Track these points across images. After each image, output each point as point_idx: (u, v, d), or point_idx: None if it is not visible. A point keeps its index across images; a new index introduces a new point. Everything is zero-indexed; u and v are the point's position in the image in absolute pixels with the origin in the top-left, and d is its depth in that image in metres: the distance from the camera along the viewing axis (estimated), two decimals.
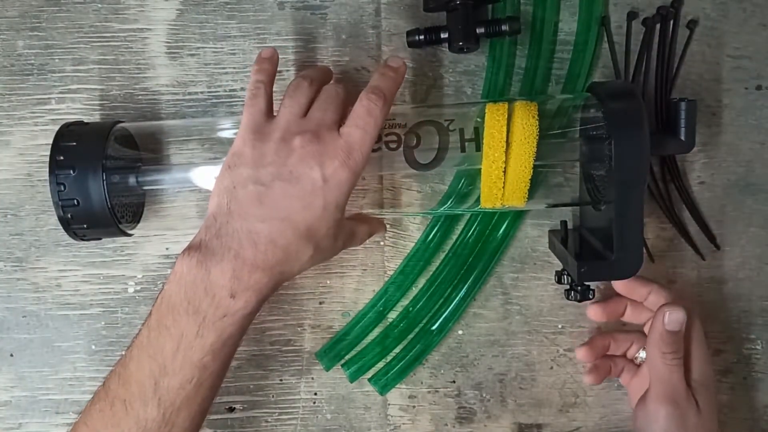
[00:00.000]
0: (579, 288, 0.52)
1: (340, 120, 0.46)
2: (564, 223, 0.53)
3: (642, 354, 0.54)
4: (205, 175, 0.51)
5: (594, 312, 0.54)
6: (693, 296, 0.57)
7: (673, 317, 0.49)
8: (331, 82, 0.53)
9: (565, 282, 0.53)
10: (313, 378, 0.58)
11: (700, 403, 0.50)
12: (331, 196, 0.44)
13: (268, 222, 0.44)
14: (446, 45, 0.54)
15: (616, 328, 0.57)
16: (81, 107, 0.56)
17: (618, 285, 0.53)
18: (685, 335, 0.51)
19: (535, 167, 0.48)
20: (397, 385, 0.58)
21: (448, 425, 0.59)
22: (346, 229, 0.49)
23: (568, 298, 0.52)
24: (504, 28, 0.52)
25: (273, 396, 0.58)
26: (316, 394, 0.58)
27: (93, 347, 0.58)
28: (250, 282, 0.44)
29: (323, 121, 0.46)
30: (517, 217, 0.56)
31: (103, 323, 0.58)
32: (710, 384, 0.51)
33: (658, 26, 0.55)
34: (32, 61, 0.56)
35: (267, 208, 0.44)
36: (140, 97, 0.56)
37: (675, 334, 0.49)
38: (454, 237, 0.57)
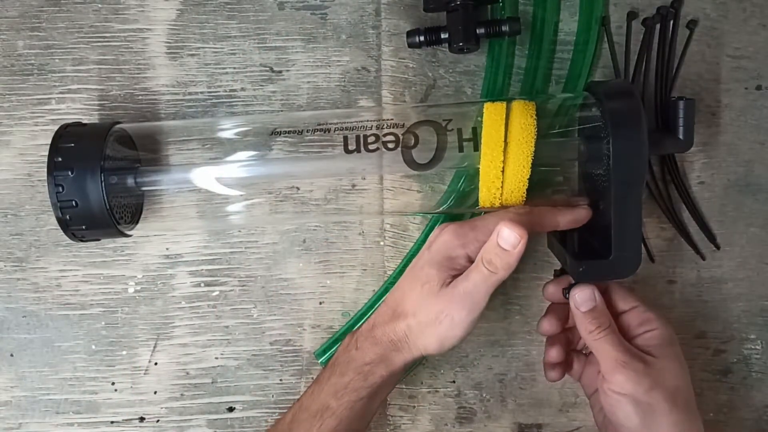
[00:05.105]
0: None
1: None
2: None
3: None
4: (205, 175, 0.51)
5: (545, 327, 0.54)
6: (692, 296, 0.57)
7: (582, 297, 0.48)
8: None
9: None
10: (313, 378, 0.58)
11: (661, 359, 0.48)
12: None
13: None
14: (446, 45, 0.54)
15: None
16: (81, 107, 0.56)
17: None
18: (622, 306, 0.50)
19: (533, 167, 0.48)
20: (397, 385, 0.58)
21: (448, 425, 0.58)
22: None
23: (566, 297, 0.52)
24: (504, 28, 0.52)
25: (273, 396, 0.58)
26: None
27: (93, 347, 0.58)
28: None
29: None
30: None
31: (103, 323, 0.58)
32: (670, 340, 0.49)
33: (658, 26, 0.55)
34: (32, 61, 0.56)
35: None
36: (140, 97, 0.57)
37: (592, 311, 0.48)
38: None
